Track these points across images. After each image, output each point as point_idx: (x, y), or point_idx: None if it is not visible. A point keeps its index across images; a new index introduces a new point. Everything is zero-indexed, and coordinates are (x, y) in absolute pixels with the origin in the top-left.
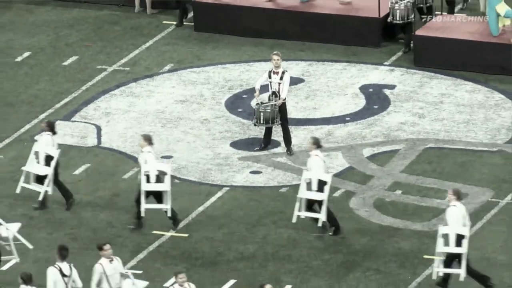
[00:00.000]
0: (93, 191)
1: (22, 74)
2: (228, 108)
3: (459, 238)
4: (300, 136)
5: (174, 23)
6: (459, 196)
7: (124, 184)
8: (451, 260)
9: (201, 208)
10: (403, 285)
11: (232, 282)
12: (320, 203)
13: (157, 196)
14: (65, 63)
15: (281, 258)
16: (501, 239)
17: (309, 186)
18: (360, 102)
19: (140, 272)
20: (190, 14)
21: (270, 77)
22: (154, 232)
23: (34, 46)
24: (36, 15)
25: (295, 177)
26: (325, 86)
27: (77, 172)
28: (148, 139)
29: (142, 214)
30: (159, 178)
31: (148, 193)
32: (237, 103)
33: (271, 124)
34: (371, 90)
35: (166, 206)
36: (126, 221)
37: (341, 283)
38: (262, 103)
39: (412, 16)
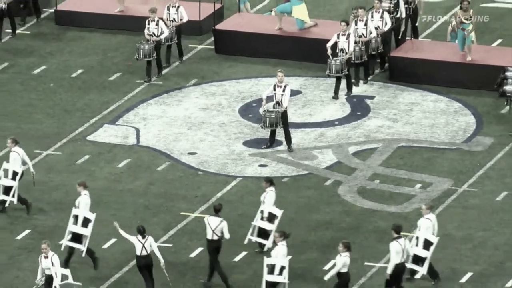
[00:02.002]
0: (133, 180)
1: (76, 87)
2: (241, 114)
3: (427, 244)
4: (298, 136)
5: (199, 46)
6: (431, 209)
7: (158, 175)
8: (418, 260)
9: (219, 194)
10: (381, 256)
11: (244, 253)
12: (269, 232)
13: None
14: (111, 78)
15: None
16: (458, 219)
17: (261, 215)
18: (346, 110)
19: (171, 245)
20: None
21: (274, 89)
22: (182, 213)
23: (86, 64)
24: (88, 40)
25: (294, 169)
26: (319, 97)
27: (120, 165)
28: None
29: (62, 248)
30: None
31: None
32: (248, 110)
33: (275, 127)
34: (355, 100)
35: (83, 247)
36: (160, 204)
37: (330, 255)
38: (268, 110)
39: (346, 69)
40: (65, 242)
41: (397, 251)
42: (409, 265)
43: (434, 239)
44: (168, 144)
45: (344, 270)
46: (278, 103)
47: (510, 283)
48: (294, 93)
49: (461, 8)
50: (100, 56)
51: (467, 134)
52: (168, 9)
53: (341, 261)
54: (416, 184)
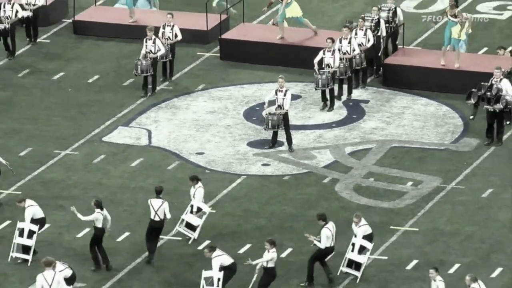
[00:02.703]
0: (145, 178)
1: (93, 91)
2: (245, 117)
3: (362, 249)
4: (298, 138)
5: (206, 54)
6: (360, 218)
7: (168, 174)
8: (352, 263)
9: (225, 191)
10: (374, 248)
11: (248, 246)
12: (195, 226)
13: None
14: (125, 84)
15: (284, 228)
16: (447, 214)
17: (191, 209)
18: (343, 113)
19: (180, 238)
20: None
21: (276, 94)
22: None
23: (102, 71)
24: (103, 48)
25: (294, 168)
26: (317, 100)
27: (133, 164)
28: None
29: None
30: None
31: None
32: (252, 114)
33: (277, 129)
34: (351, 104)
35: (29, 257)
36: (170, 201)
37: None
38: (270, 113)
39: (332, 83)
40: (15, 254)
41: (327, 236)
42: (345, 269)
43: (369, 245)
44: (177, 144)
45: (271, 265)
46: (280, 107)
47: (495, 273)
48: (294, 97)
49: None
50: (114, 63)
51: (455, 135)
52: (164, 28)
53: (269, 256)
54: (407, 181)
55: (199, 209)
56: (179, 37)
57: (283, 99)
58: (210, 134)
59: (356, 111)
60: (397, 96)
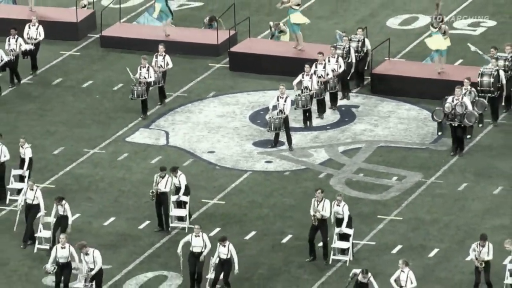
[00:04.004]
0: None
1: (117, 97)
2: (251, 120)
3: (345, 236)
4: (297, 138)
5: (217, 65)
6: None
7: (183, 170)
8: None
9: (233, 185)
10: (364, 235)
11: (253, 233)
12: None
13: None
14: None
15: (285, 217)
16: (427, 206)
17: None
18: (336, 117)
19: (193, 226)
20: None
21: (278, 100)
22: (203, 200)
23: (125, 80)
24: (127, 60)
25: (294, 165)
26: (314, 106)
27: (152, 161)
28: None
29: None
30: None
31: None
32: (257, 117)
33: (278, 131)
34: (343, 108)
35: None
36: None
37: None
38: (273, 117)
39: (310, 105)
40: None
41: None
42: (335, 257)
43: (350, 231)
44: (192, 144)
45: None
46: (281, 111)
47: (469, 257)
48: (293, 103)
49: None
50: (136, 73)
51: (434, 136)
52: (156, 57)
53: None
54: (393, 177)
55: (187, 189)
56: (170, 65)
57: (284, 104)
58: (220, 135)
59: (347, 115)
60: (384, 102)
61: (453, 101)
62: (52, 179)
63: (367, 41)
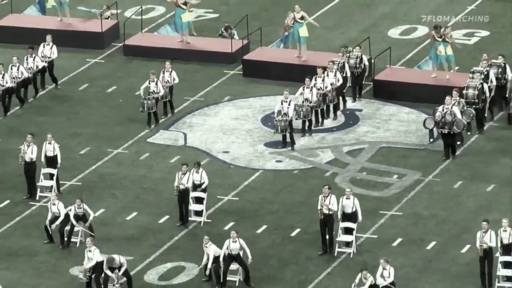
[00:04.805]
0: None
1: (139, 102)
2: (262, 122)
3: (350, 230)
4: (305, 139)
5: (231, 72)
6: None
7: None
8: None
9: (246, 182)
10: (367, 229)
11: (264, 227)
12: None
13: None
14: None
15: (294, 213)
16: (425, 202)
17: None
18: (341, 119)
19: (210, 220)
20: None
21: (282, 104)
22: (218, 196)
23: (146, 85)
24: (148, 67)
25: (302, 164)
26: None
27: (172, 160)
28: None
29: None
30: None
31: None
32: (268, 120)
33: (285, 133)
34: (348, 112)
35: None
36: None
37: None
38: (278, 119)
39: (311, 115)
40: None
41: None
42: (340, 249)
43: (354, 225)
44: (208, 145)
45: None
46: (285, 114)
47: (464, 249)
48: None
49: (435, 27)
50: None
51: (432, 138)
52: (163, 73)
53: (212, 249)
54: (394, 175)
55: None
56: (176, 80)
57: (288, 108)
58: (234, 137)
59: (352, 118)
60: (385, 106)
61: (443, 110)
62: (79, 177)
63: (364, 58)
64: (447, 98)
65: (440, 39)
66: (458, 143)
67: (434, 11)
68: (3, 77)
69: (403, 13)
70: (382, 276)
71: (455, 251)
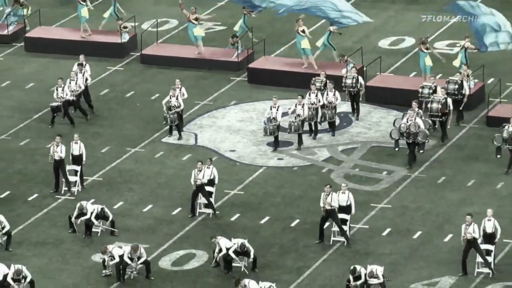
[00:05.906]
0: (192, 169)
1: (155, 106)
2: (265, 124)
3: (343, 221)
4: (304, 140)
5: (237, 78)
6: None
7: None
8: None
9: (250, 178)
10: (359, 220)
11: (267, 218)
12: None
13: None
14: None
15: (293, 205)
16: (412, 196)
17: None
18: (336, 122)
19: (218, 212)
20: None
21: (271, 109)
22: (225, 191)
23: (162, 91)
24: (164, 74)
25: (301, 162)
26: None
27: (184, 158)
28: None
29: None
30: None
31: None
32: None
33: (273, 135)
34: (342, 115)
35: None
36: None
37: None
38: (268, 124)
39: (301, 130)
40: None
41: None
42: (335, 238)
43: (348, 216)
44: (216, 144)
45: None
46: (274, 119)
47: (447, 239)
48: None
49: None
50: (171, 85)
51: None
52: (174, 90)
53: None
54: (383, 171)
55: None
56: (185, 95)
57: (277, 113)
58: (240, 137)
59: (346, 121)
60: (376, 109)
61: (407, 121)
62: (100, 173)
63: (360, 78)
64: (409, 111)
65: (426, 51)
66: (421, 151)
67: (419, 25)
68: (63, 90)
69: (391, 26)
70: (371, 272)
71: (439, 240)
